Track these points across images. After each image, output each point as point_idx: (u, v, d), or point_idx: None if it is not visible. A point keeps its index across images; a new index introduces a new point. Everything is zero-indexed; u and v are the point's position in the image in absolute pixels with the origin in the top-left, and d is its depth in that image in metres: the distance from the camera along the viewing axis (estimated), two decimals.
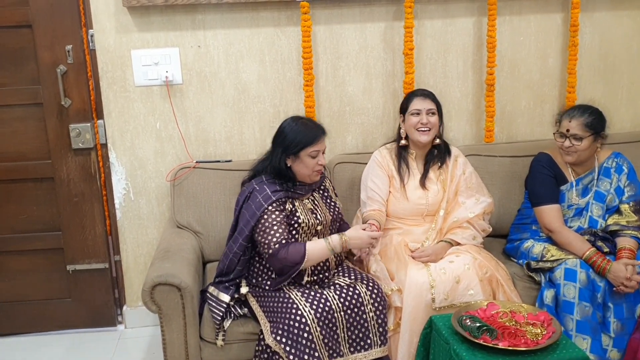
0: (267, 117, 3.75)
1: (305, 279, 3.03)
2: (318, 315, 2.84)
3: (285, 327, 2.82)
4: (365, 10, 3.68)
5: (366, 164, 3.46)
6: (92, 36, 3.61)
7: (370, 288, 2.98)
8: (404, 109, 3.36)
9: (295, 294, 2.94)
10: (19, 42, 3.60)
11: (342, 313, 2.90)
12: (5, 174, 3.74)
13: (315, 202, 3.16)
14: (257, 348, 2.97)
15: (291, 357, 2.78)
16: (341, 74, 3.75)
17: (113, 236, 3.90)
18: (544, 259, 3.19)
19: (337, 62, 3.74)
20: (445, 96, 3.78)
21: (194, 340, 3.03)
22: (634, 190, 3.30)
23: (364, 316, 2.94)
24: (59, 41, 3.59)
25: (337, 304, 2.90)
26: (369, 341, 2.94)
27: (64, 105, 3.66)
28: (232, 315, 3.05)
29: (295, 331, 2.80)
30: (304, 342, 2.79)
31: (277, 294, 2.98)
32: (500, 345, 2.54)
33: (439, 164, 3.37)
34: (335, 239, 2.97)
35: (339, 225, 3.26)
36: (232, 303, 3.05)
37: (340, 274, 3.13)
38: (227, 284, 3.07)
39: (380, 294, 2.98)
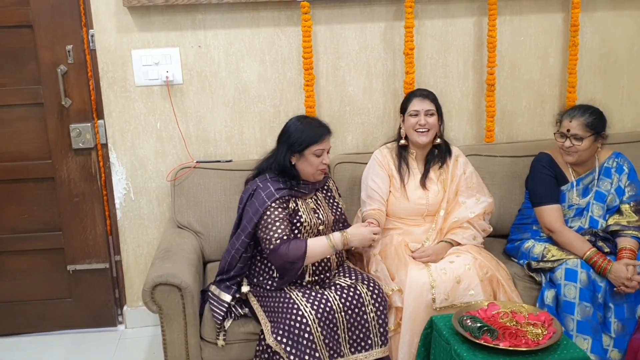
0: (267, 117, 3.75)
1: (307, 278, 3.03)
2: (319, 315, 2.84)
3: (286, 327, 2.82)
4: (365, 10, 3.68)
5: (366, 163, 3.46)
6: (92, 36, 3.61)
7: (371, 288, 2.98)
8: (403, 109, 3.36)
9: (296, 294, 2.94)
10: (20, 42, 3.60)
11: (342, 313, 2.90)
12: (5, 173, 3.74)
13: (318, 201, 3.16)
14: (257, 348, 2.97)
15: (292, 357, 2.78)
16: (341, 73, 3.75)
17: (113, 236, 3.90)
18: (545, 259, 3.19)
19: (338, 62, 3.74)
20: (445, 96, 3.78)
21: (195, 340, 3.03)
22: (635, 190, 3.30)
23: (365, 316, 2.94)
24: (60, 41, 3.59)
25: (337, 304, 2.90)
26: (369, 341, 2.94)
27: (64, 105, 3.66)
28: (233, 315, 3.05)
29: (296, 331, 2.80)
30: (304, 342, 2.79)
31: (278, 294, 2.98)
32: (501, 346, 2.54)
33: (440, 164, 3.37)
34: (336, 235, 2.97)
35: (342, 226, 3.26)
36: (232, 303, 3.04)
37: (341, 274, 3.13)
38: (228, 283, 3.07)
39: (381, 295, 2.98)
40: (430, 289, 3.01)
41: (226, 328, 3.02)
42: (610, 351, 3.03)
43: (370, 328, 2.95)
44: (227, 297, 3.02)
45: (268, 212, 2.95)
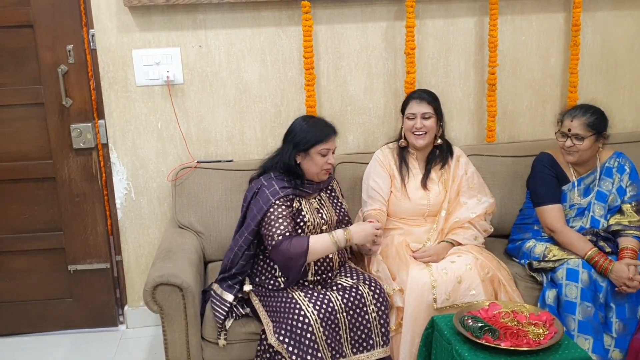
0: (268, 117, 3.75)
1: (310, 278, 3.03)
2: (321, 316, 2.83)
3: (288, 327, 2.82)
4: (366, 10, 3.68)
5: (367, 163, 3.46)
6: (93, 36, 3.61)
7: (372, 288, 2.98)
8: (403, 110, 3.36)
9: (299, 294, 2.94)
10: (20, 42, 3.60)
11: (344, 314, 2.90)
12: (6, 173, 3.74)
13: (322, 201, 3.16)
14: (258, 348, 2.96)
15: (294, 357, 2.78)
16: (342, 73, 3.75)
17: (114, 236, 3.90)
18: (546, 259, 3.18)
19: (339, 61, 3.73)
20: (446, 96, 3.78)
21: (196, 340, 3.03)
22: (636, 190, 3.30)
23: (367, 317, 2.93)
24: (60, 41, 3.59)
25: (339, 304, 2.90)
26: (371, 342, 2.94)
27: (65, 105, 3.66)
28: (234, 315, 3.04)
29: (298, 331, 2.80)
30: (307, 342, 2.78)
31: (280, 294, 2.98)
32: (503, 346, 2.54)
33: (441, 164, 3.36)
34: (339, 232, 2.97)
35: (345, 226, 3.25)
36: (234, 303, 3.04)
37: (343, 274, 3.13)
38: (230, 282, 3.06)
39: (382, 295, 2.98)
40: (431, 289, 3.01)
41: (227, 328, 3.02)
42: (611, 351, 3.03)
43: (372, 328, 2.94)
44: (230, 297, 3.02)
45: (272, 209, 2.95)
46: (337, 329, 2.88)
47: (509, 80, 3.87)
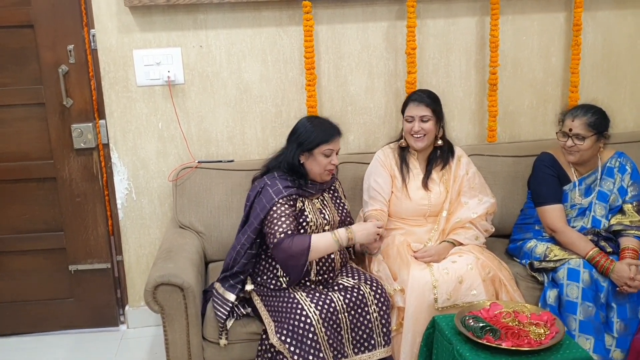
0: (269, 117, 3.74)
1: (312, 278, 3.03)
2: (323, 316, 2.84)
3: (290, 327, 2.82)
4: (367, 10, 3.68)
5: (368, 163, 3.46)
6: (93, 36, 3.61)
7: (374, 289, 2.98)
8: (403, 110, 3.36)
9: (301, 294, 2.94)
10: (21, 42, 3.60)
11: (345, 314, 2.90)
12: (7, 174, 3.74)
13: (325, 202, 3.16)
14: (259, 348, 2.96)
15: (296, 357, 2.78)
16: (343, 73, 3.75)
17: (115, 236, 3.90)
18: (547, 258, 3.18)
19: (340, 61, 3.73)
20: (447, 96, 3.78)
21: (197, 340, 3.03)
22: (637, 190, 3.30)
23: (368, 317, 2.93)
24: (61, 41, 3.59)
25: (341, 304, 2.90)
26: (372, 342, 2.94)
27: (65, 105, 3.66)
28: (235, 314, 3.04)
29: (300, 331, 2.80)
30: (309, 342, 2.79)
31: (282, 294, 2.98)
32: (504, 346, 2.54)
33: (442, 165, 3.36)
34: (341, 231, 2.97)
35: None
36: (236, 302, 3.04)
37: (344, 274, 3.13)
38: (232, 281, 3.06)
39: (384, 295, 2.98)
40: (432, 288, 3.01)
41: (228, 328, 3.02)
42: (612, 351, 3.02)
43: (373, 328, 2.94)
44: (232, 297, 3.02)
45: (274, 208, 2.95)
46: (338, 329, 2.88)
47: (510, 80, 3.86)
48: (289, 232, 2.89)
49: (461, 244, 3.25)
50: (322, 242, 2.92)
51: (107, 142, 3.73)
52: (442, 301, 3.00)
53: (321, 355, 2.79)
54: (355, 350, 2.92)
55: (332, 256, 3.08)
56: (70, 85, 3.65)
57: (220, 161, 3.69)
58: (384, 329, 2.96)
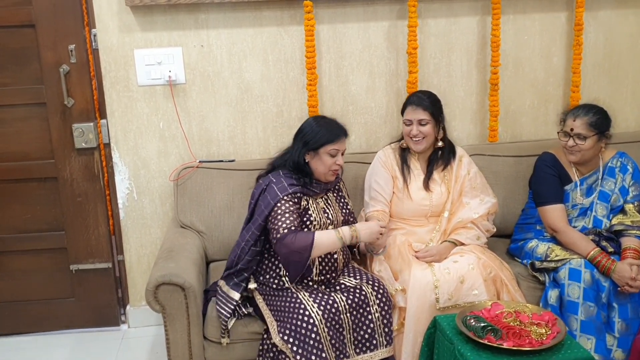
0: (270, 117, 3.74)
1: (314, 277, 3.03)
2: (325, 316, 2.84)
3: (293, 327, 2.82)
4: (368, 9, 3.67)
5: (369, 163, 3.46)
6: (95, 36, 3.60)
7: (375, 289, 2.98)
8: (402, 112, 3.36)
9: (303, 294, 2.94)
10: (22, 41, 3.60)
11: (348, 314, 2.90)
12: (8, 173, 3.75)
13: (329, 201, 3.16)
14: (261, 347, 2.97)
15: (298, 357, 2.78)
16: (344, 73, 3.75)
17: (116, 236, 3.90)
18: (548, 258, 3.18)
19: (341, 61, 3.73)
20: (449, 95, 3.78)
21: (198, 340, 3.03)
22: (639, 190, 3.30)
23: (370, 317, 2.93)
24: (62, 41, 3.59)
25: (343, 305, 2.90)
26: (374, 342, 2.94)
27: (67, 105, 3.66)
28: (237, 314, 3.04)
29: (303, 331, 2.80)
30: (311, 342, 2.79)
31: (285, 293, 2.98)
32: (505, 345, 2.54)
33: (443, 165, 3.35)
34: (345, 229, 2.97)
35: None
36: (240, 301, 3.04)
37: (346, 274, 3.13)
38: (236, 279, 3.06)
39: (385, 295, 2.98)
40: (433, 288, 3.01)
41: (229, 327, 3.01)
42: (614, 351, 3.02)
43: (375, 328, 2.94)
44: (236, 295, 3.02)
45: (279, 204, 2.95)
46: (340, 329, 2.88)
47: (511, 80, 3.86)
48: (293, 228, 2.89)
49: (462, 244, 3.25)
50: (326, 239, 2.92)
51: (108, 142, 3.73)
52: (444, 301, 3.00)
53: (323, 355, 2.79)
54: (357, 350, 2.92)
55: (335, 256, 3.08)
56: (72, 85, 3.65)
57: (222, 161, 3.69)
58: (386, 329, 2.96)
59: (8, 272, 3.88)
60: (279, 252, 2.93)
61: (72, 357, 3.72)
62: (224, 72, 3.67)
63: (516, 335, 2.60)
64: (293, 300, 2.91)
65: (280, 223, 2.90)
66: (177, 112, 3.67)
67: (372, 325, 2.94)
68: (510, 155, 3.67)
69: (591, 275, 3.04)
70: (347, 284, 3.04)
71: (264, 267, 3.10)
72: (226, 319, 2.99)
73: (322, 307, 2.85)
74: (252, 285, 3.07)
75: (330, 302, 2.88)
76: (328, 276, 3.07)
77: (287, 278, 3.02)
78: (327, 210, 3.12)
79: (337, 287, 3.02)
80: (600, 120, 3.22)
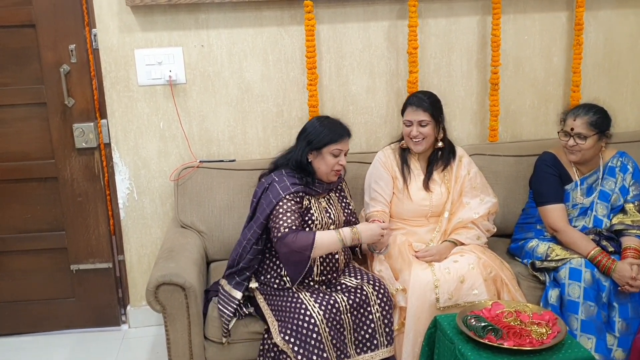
0: (270, 117, 3.74)
1: (315, 277, 3.03)
2: (327, 316, 2.84)
3: (294, 327, 2.82)
4: (369, 9, 3.67)
5: (370, 163, 3.46)
6: (95, 35, 3.60)
7: (376, 288, 2.98)
8: (402, 112, 3.36)
9: (304, 294, 2.94)
10: (22, 41, 3.60)
11: (349, 314, 2.90)
12: (8, 173, 3.75)
13: (331, 201, 3.16)
14: (261, 347, 2.97)
15: (299, 357, 2.78)
16: (345, 73, 3.74)
17: (117, 236, 3.90)
18: (549, 258, 3.18)
19: (341, 61, 3.73)
20: (449, 95, 3.78)
21: (198, 340, 3.03)
22: (639, 189, 3.30)
23: (371, 317, 2.94)
24: (62, 41, 3.59)
25: (344, 305, 2.90)
26: (375, 342, 2.94)
27: (67, 105, 3.66)
28: (238, 314, 3.04)
29: (304, 331, 2.80)
30: (312, 342, 2.79)
31: (286, 293, 2.98)
32: (506, 345, 2.54)
33: (443, 166, 3.35)
34: (346, 230, 2.97)
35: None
36: (241, 301, 3.04)
37: (347, 274, 3.13)
38: (238, 278, 3.06)
39: (386, 295, 2.98)
40: (434, 288, 3.00)
41: (230, 327, 3.01)
42: (614, 350, 3.02)
43: (376, 328, 2.94)
44: (238, 294, 3.01)
45: (281, 203, 2.95)
46: (341, 329, 2.88)
47: (511, 80, 3.86)
48: (294, 227, 2.89)
49: (463, 244, 3.25)
50: (327, 240, 2.92)
51: (108, 142, 3.74)
52: (444, 301, 3.00)
53: (325, 355, 2.79)
54: (358, 350, 2.92)
55: (336, 256, 3.08)
56: (72, 85, 3.66)
57: (222, 161, 3.69)
58: (387, 329, 2.96)
59: (8, 272, 3.88)
60: (280, 251, 2.93)
61: (73, 357, 3.72)
62: (225, 72, 3.67)
63: (517, 334, 2.60)
64: (294, 300, 2.91)
65: (281, 222, 2.90)
66: (177, 112, 3.67)
67: (372, 325, 2.94)
68: (510, 155, 3.67)
69: (591, 274, 3.04)
70: (348, 284, 3.04)
71: (265, 266, 3.10)
72: (228, 319, 2.99)
73: (323, 307, 2.85)
74: (254, 285, 3.07)
75: (332, 302, 2.88)
76: (329, 276, 3.07)
77: (288, 278, 3.01)
78: (329, 210, 3.12)
79: (338, 287, 3.02)
80: (600, 120, 3.22)
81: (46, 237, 3.85)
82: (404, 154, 3.38)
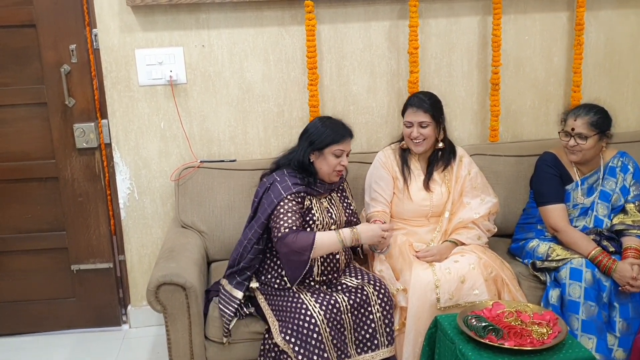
0: (271, 117, 3.74)
1: (316, 278, 3.02)
2: (327, 316, 2.84)
3: (295, 327, 2.82)
4: (369, 9, 3.67)
5: (370, 163, 3.46)
6: (96, 35, 3.61)
7: (377, 288, 2.98)
8: (403, 113, 3.36)
9: (305, 294, 2.94)
10: (23, 41, 3.60)
11: (349, 314, 2.90)
12: (9, 173, 3.75)
13: (332, 201, 3.17)
14: (262, 347, 2.96)
15: (300, 357, 2.78)
16: (345, 73, 3.74)
17: (117, 236, 3.90)
18: (549, 258, 3.18)
19: (342, 61, 3.73)
20: (450, 95, 3.78)
21: (199, 340, 3.03)
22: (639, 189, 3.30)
23: (371, 317, 2.94)
24: (63, 41, 3.59)
25: (345, 305, 2.90)
26: (375, 342, 2.94)
27: (67, 105, 3.66)
28: (238, 314, 3.04)
29: (305, 331, 2.80)
30: (313, 342, 2.79)
31: (287, 293, 2.98)
32: (506, 345, 2.54)
33: (443, 166, 3.35)
34: (346, 231, 2.97)
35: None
36: (242, 300, 3.04)
37: (348, 274, 3.13)
38: (239, 278, 3.06)
39: (387, 295, 2.98)
40: (434, 288, 3.00)
41: (230, 327, 3.01)
42: (615, 350, 3.02)
43: (377, 328, 2.94)
44: (239, 294, 3.01)
45: (282, 203, 2.95)
46: (342, 329, 2.88)
47: (512, 80, 3.86)
48: (294, 227, 2.89)
49: (463, 244, 3.25)
50: (327, 241, 2.92)
51: (109, 142, 3.74)
52: (445, 301, 3.00)
53: (325, 355, 2.79)
54: (359, 350, 2.92)
55: (337, 257, 3.08)
56: (73, 85, 3.66)
57: (223, 161, 3.69)
58: (387, 329, 2.96)
59: (9, 272, 3.88)
60: (280, 251, 2.93)
61: (73, 357, 3.72)
62: (225, 72, 3.67)
63: (517, 334, 2.60)
64: (295, 300, 2.91)
65: (282, 222, 2.90)
66: (178, 112, 3.67)
67: (373, 325, 2.94)
68: (511, 155, 3.66)
69: (592, 274, 3.04)
70: (349, 284, 3.04)
71: (266, 266, 3.10)
72: (229, 319, 2.99)
73: (323, 307, 2.85)
74: (254, 285, 3.07)
75: (332, 302, 2.88)
76: (330, 276, 3.07)
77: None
78: (331, 210, 3.12)
79: (339, 287, 3.02)
80: (601, 120, 3.22)
81: (47, 237, 3.85)
82: (405, 154, 3.38)
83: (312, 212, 3.04)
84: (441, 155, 3.35)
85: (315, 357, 2.77)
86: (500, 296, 3.09)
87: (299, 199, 3.00)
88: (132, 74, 3.61)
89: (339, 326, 2.87)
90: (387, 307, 2.96)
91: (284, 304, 2.93)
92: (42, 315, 3.94)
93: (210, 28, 3.61)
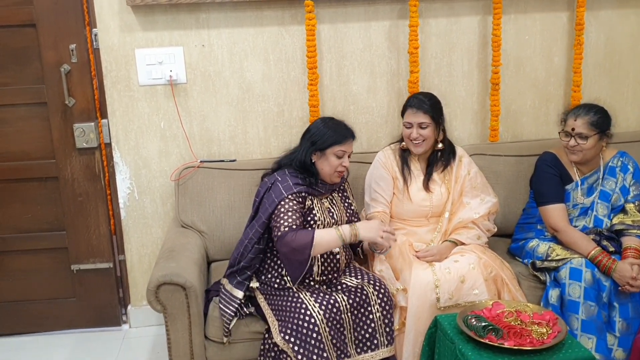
0: (271, 117, 3.74)
1: (316, 277, 3.02)
2: (327, 316, 2.84)
3: (294, 327, 2.82)
4: (369, 9, 3.67)
5: (370, 163, 3.46)
6: (96, 35, 3.61)
7: (377, 288, 2.98)
8: (402, 114, 3.35)
9: (305, 294, 2.94)
10: (23, 41, 3.60)
11: (349, 314, 2.90)
12: (9, 173, 3.75)
13: (333, 201, 3.17)
14: (262, 347, 2.97)
15: (300, 356, 2.78)
16: (345, 72, 3.74)
17: (117, 236, 3.90)
18: (549, 258, 3.18)
19: (342, 61, 3.73)
20: (450, 95, 3.78)
21: (199, 340, 3.03)
22: (639, 189, 3.29)
23: (371, 317, 2.94)
24: (63, 40, 3.59)
25: (345, 305, 2.90)
26: (375, 341, 2.94)
27: (67, 105, 3.66)
28: (238, 314, 3.04)
29: (304, 331, 2.80)
30: (313, 342, 2.79)
31: (286, 293, 2.98)
32: (506, 345, 2.54)
33: (443, 166, 3.35)
34: (345, 227, 2.97)
35: None
36: (243, 300, 3.04)
37: (348, 274, 3.13)
38: (239, 278, 3.06)
39: (387, 295, 2.98)
40: (434, 288, 3.00)
41: (230, 327, 3.01)
42: (614, 350, 3.02)
43: (377, 328, 2.94)
44: (240, 294, 3.01)
45: (283, 203, 2.95)
46: (342, 329, 2.88)
47: (512, 80, 3.86)
48: (294, 226, 2.89)
49: (463, 244, 3.25)
50: (326, 237, 2.91)
51: (109, 142, 3.74)
52: (444, 300, 3.00)
53: (325, 355, 2.79)
54: (358, 350, 2.92)
55: (337, 256, 3.08)
56: (73, 85, 3.66)
57: (223, 160, 3.69)
58: (387, 329, 2.96)
59: (9, 272, 3.88)
60: (280, 250, 2.94)
61: (73, 357, 3.72)
62: (225, 72, 3.67)
63: (517, 334, 2.60)
64: (294, 299, 2.91)
65: (282, 221, 2.90)
66: (178, 112, 3.67)
67: (373, 324, 2.94)
68: (511, 155, 3.66)
69: (592, 274, 3.04)
70: (349, 283, 3.04)
71: (266, 266, 3.10)
72: (229, 318, 2.99)
73: (323, 307, 2.85)
74: (254, 284, 3.07)
75: (332, 302, 2.88)
76: (330, 276, 3.07)
77: (289, 277, 3.01)
78: (332, 210, 3.12)
79: (339, 287, 3.02)
80: (601, 120, 3.23)
81: (47, 236, 3.85)
82: (404, 155, 3.38)
83: (314, 212, 3.04)
84: (441, 156, 3.35)
85: (314, 357, 2.77)
86: (500, 296, 3.09)
87: (300, 199, 3.00)
88: (132, 73, 3.61)
89: (338, 326, 2.87)
90: (387, 307, 2.96)
91: (284, 303, 2.93)
92: (42, 315, 3.94)
93: (210, 28, 3.61)
